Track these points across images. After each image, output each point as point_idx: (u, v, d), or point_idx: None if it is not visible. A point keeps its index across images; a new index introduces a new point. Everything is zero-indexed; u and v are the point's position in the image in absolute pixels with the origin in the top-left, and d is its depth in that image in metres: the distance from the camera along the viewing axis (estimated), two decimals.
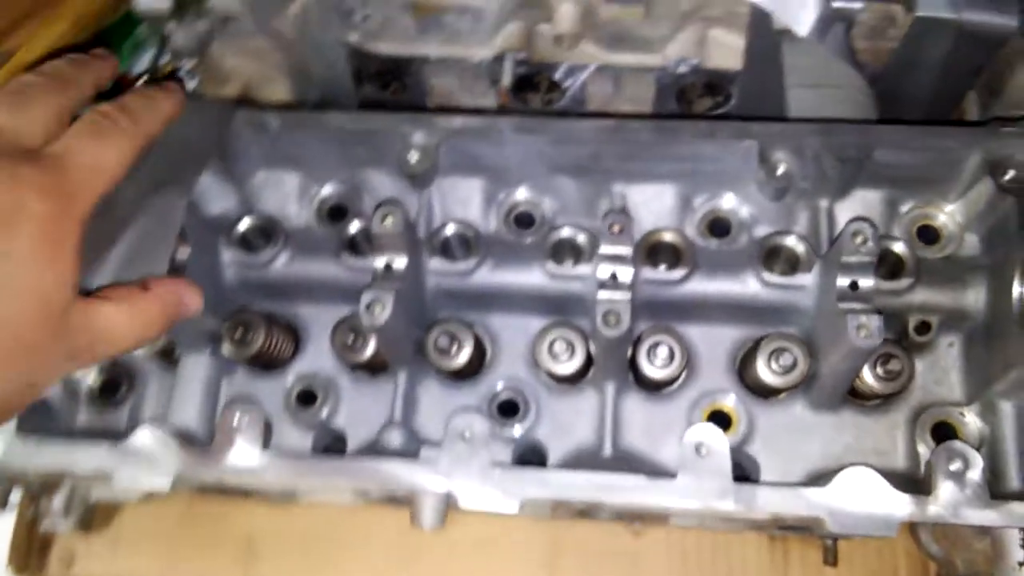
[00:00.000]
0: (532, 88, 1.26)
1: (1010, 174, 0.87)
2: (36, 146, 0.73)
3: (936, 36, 1.01)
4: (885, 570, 1.06)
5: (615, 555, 1.09)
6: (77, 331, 0.71)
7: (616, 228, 0.86)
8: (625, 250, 0.86)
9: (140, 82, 1.46)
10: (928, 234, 0.97)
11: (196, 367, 1.02)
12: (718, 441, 0.81)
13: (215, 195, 1.08)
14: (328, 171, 1.08)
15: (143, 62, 1.56)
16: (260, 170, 1.08)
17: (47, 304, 0.68)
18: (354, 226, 1.02)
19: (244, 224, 1.04)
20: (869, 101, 1.07)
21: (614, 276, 0.87)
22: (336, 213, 1.08)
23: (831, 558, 1.03)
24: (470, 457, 0.84)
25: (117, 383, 1.06)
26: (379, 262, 0.91)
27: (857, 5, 1.02)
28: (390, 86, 1.30)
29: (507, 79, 1.18)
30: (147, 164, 0.84)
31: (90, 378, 1.06)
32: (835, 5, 1.01)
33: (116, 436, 0.92)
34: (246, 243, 1.04)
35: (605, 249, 0.87)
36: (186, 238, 0.94)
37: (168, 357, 1.05)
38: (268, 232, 1.04)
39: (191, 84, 1.48)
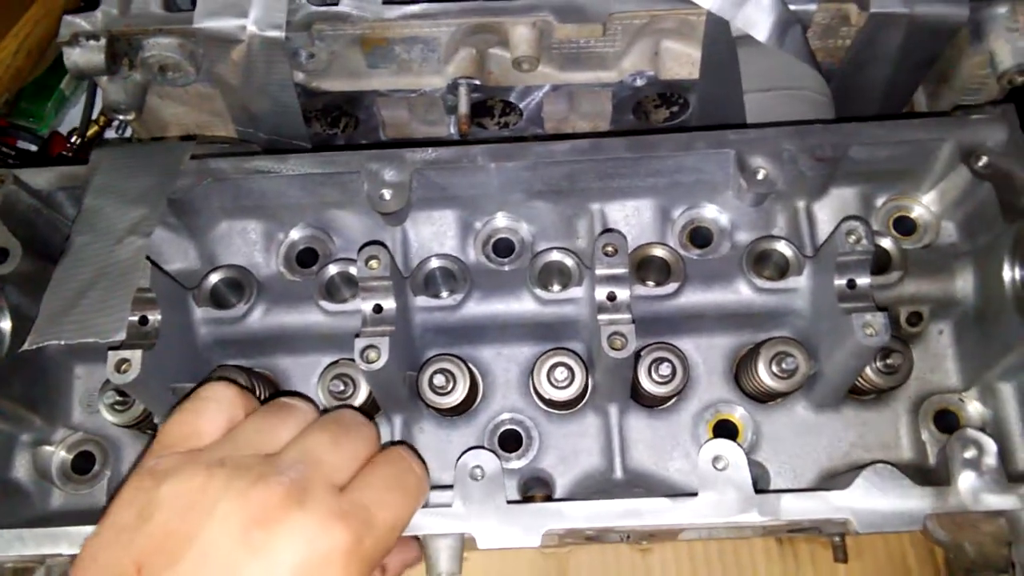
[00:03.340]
0: (487, 113, 1.25)
1: (983, 160, 0.89)
2: (343, 484, 0.73)
3: (890, 30, 1.03)
4: (894, 560, 1.07)
5: (624, 574, 1.07)
6: None
7: (610, 248, 0.85)
8: (621, 271, 0.85)
9: (72, 140, 1.39)
10: (905, 225, 0.98)
11: None
12: (734, 454, 0.80)
13: (174, 252, 1.03)
14: (293, 215, 1.04)
15: (71, 118, 1.50)
16: (221, 222, 1.04)
17: None
18: (332, 269, 0.98)
19: (213, 279, 0.99)
20: (827, 99, 1.08)
21: (611, 296, 0.85)
22: (306, 258, 1.05)
23: (841, 555, 1.04)
24: (485, 497, 0.81)
25: (91, 457, 1.00)
26: (367, 306, 0.88)
27: (812, 6, 1.03)
28: (339, 123, 1.26)
29: (464, 106, 1.17)
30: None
31: (61, 454, 1.00)
32: (792, 7, 1.02)
33: (94, 514, 0.87)
34: (217, 299, 0.99)
35: (601, 271, 0.85)
36: (155, 302, 0.89)
37: (143, 425, 1.00)
38: (239, 285, 1.00)
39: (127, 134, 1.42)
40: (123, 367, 0.84)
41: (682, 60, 1.15)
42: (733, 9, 1.04)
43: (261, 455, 0.73)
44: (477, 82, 1.16)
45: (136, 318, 0.88)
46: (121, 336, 0.85)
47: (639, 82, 1.17)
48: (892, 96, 1.14)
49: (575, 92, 1.21)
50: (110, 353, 0.85)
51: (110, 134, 1.43)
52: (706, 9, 1.06)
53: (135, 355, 0.85)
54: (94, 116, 1.41)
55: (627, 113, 1.23)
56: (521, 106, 1.23)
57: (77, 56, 1.09)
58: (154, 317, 0.89)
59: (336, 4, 1.09)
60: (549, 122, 1.25)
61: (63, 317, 0.87)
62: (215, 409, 0.77)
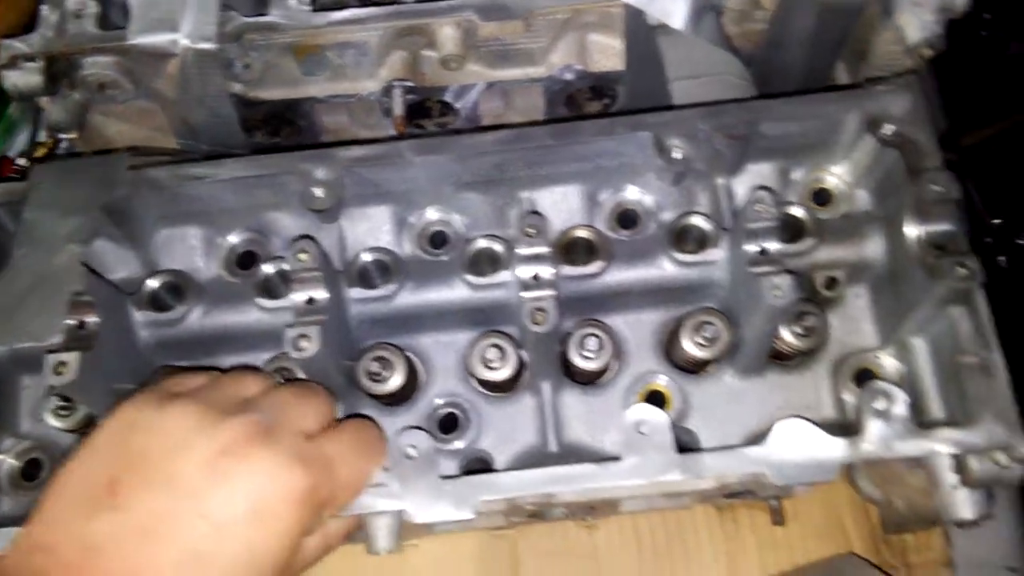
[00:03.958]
0: (425, 114, 1.28)
1: (888, 128, 0.93)
2: (311, 435, 0.79)
3: (801, 13, 1.08)
4: (831, 521, 1.09)
5: (574, 554, 1.10)
6: None
7: (531, 230, 0.88)
8: (543, 249, 0.88)
9: (20, 162, 1.42)
10: (822, 196, 1.02)
11: None
12: (657, 417, 0.83)
13: (116, 261, 1.05)
14: (231, 219, 1.06)
15: (19, 143, 1.52)
16: (160, 229, 1.06)
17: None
18: (267, 268, 1.01)
19: (152, 283, 1.01)
20: (747, 83, 1.13)
21: (536, 276, 0.88)
22: (246, 260, 1.07)
23: (778, 517, 1.07)
24: (419, 474, 0.83)
25: (39, 464, 1.02)
26: (299, 297, 0.90)
27: None
28: (281, 131, 1.29)
29: (399, 108, 1.20)
30: None
31: (10, 462, 1.01)
32: None
33: None
34: (156, 303, 1.01)
35: (523, 251, 0.88)
36: (92, 305, 0.91)
37: (89, 431, 1.01)
38: (178, 288, 1.02)
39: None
40: (60, 369, 0.86)
41: (608, 52, 1.18)
42: (648, 0, 1.08)
43: (238, 399, 0.79)
44: (411, 84, 1.19)
45: (74, 322, 0.91)
46: (56, 338, 0.87)
47: (568, 75, 1.20)
48: (812, 76, 1.18)
49: (508, 89, 1.24)
50: (48, 356, 0.87)
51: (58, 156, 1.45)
52: (623, 1, 1.10)
53: (72, 357, 0.86)
54: (41, 139, 1.43)
55: (560, 107, 1.27)
56: (457, 106, 1.26)
57: (16, 78, 1.11)
58: (92, 320, 0.91)
59: (266, 14, 1.12)
60: (486, 119, 1.29)
61: (3, 325, 0.90)
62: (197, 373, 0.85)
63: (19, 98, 1.14)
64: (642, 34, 1.12)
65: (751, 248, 0.87)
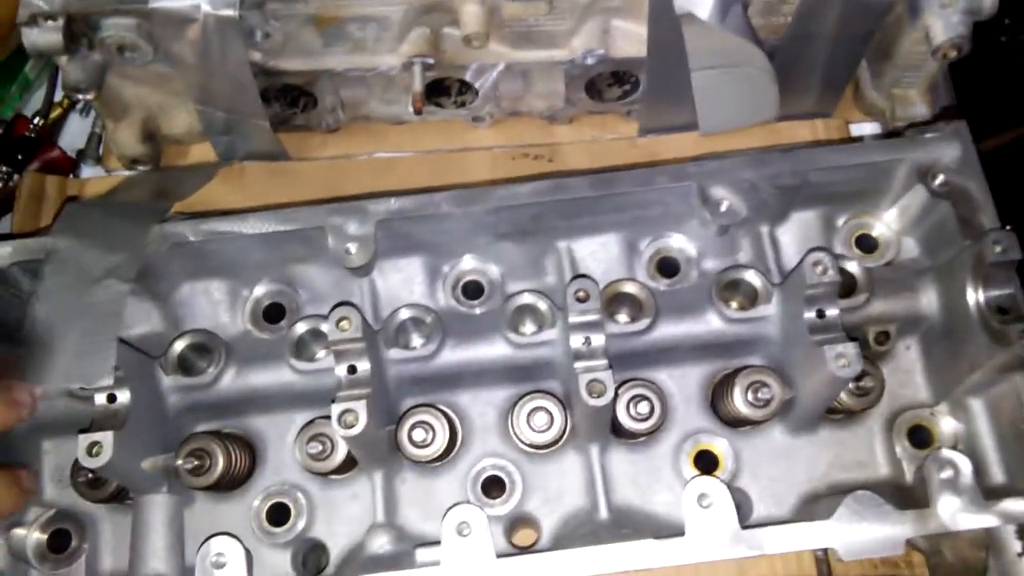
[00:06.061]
0: (444, 92, 1.24)
1: (939, 179, 0.91)
2: None
3: (827, 7, 1.05)
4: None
5: None
6: None
7: (583, 294, 0.85)
8: (594, 316, 0.85)
9: (35, 121, 1.38)
10: (866, 243, 1.00)
11: (153, 508, 0.95)
12: (718, 491, 0.81)
13: (138, 317, 1.01)
14: (257, 273, 1.03)
15: (35, 101, 1.47)
16: (184, 284, 1.02)
17: None
18: (301, 327, 0.97)
19: (179, 345, 0.98)
20: (769, 76, 1.10)
21: (587, 341, 0.86)
22: (272, 313, 1.04)
23: (824, 568, 1.05)
24: (473, 554, 0.81)
25: (67, 535, 0.98)
26: (340, 369, 0.87)
27: None
28: (299, 102, 1.25)
29: (418, 84, 1.16)
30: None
31: (35, 534, 0.97)
32: None
33: None
34: (185, 365, 0.98)
35: (574, 318, 0.85)
36: (123, 381, 0.88)
37: (118, 499, 0.98)
38: (206, 348, 0.98)
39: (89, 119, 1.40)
40: (95, 450, 0.83)
41: (631, 38, 1.15)
42: None
43: None
44: (431, 61, 1.15)
45: (104, 397, 0.87)
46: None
47: (590, 60, 1.16)
48: (833, 71, 1.16)
49: (529, 71, 1.20)
50: (81, 437, 0.83)
51: (74, 117, 1.42)
52: None
53: (106, 437, 0.83)
54: (57, 98, 1.40)
55: (580, 92, 1.23)
56: (476, 85, 1.22)
57: (36, 36, 1.07)
58: (123, 396, 0.87)
59: None
60: (505, 101, 1.24)
61: (51, 361, 0.88)
62: None
63: (38, 56, 1.10)
64: (667, 22, 1.08)
65: (809, 313, 0.85)
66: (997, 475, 0.89)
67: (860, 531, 0.79)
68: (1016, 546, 0.81)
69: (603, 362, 0.85)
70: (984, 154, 1.55)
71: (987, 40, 1.48)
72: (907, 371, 0.97)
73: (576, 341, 0.85)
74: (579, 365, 0.85)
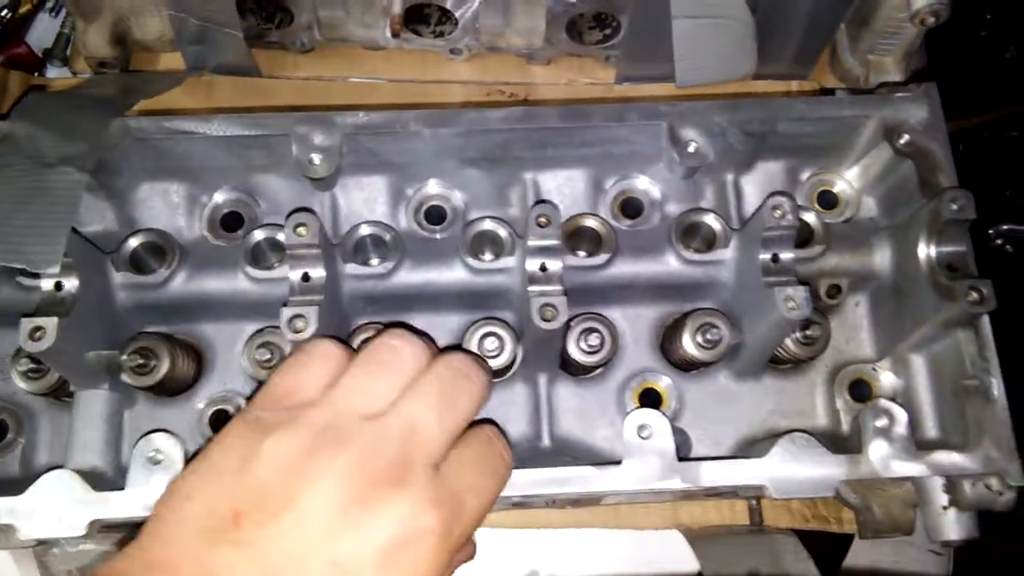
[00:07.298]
0: (423, 20, 1.22)
1: (905, 138, 0.92)
2: (441, 459, 0.71)
3: None
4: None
5: None
6: None
7: (544, 220, 0.85)
8: (554, 242, 0.85)
9: (2, 14, 1.35)
10: (827, 199, 1.01)
11: (94, 402, 0.93)
12: (660, 423, 0.82)
13: (93, 214, 0.99)
14: (218, 178, 1.01)
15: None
16: (142, 183, 1.01)
17: None
18: (258, 234, 0.96)
19: (132, 243, 0.96)
20: (750, 30, 1.10)
21: (543, 267, 0.86)
22: (231, 221, 1.02)
23: (758, 518, 1.08)
24: None
25: (3, 426, 0.97)
26: (295, 275, 0.86)
27: None
28: (275, 17, 1.23)
29: (397, 7, 1.14)
30: None
31: None
32: None
33: (8, 483, 0.85)
34: (137, 263, 0.96)
35: (533, 242, 0.85)
36: (71, 268, 0.86)
37: (58, 393, 0.97)
38: (160, 249, 0.97)
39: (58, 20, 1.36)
40: (37, 334, 0.82)
41: None
42: None
43: (364, 418, 0.71)
44: None
45: (51, 284, 0.86)
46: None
47: None
48: (813, 32, 1.16)
49: (511, 4, 1.18)
50: (24, 320, 0.82)
51: (43, 17, 1.40)
52: None
53: (50, 322, 0.82)
54: None
55: (561, 32, 1.22)
56: (457, 15, 1.20)
57: None
58: (70, 283, 0.86)
59: None
60: (484, 35, 1.23)
61: None
62: (320, 364, 0.75)
63: None
64: None
65: (764, 255, 0.85)
66: (931, 430, 0.91)
67: (792, 470, 0.81)
68: (943, 499, 0.83)
69: (558, 287, 0.85)
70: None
71: (966, 34, 1.50)
72: (854, 327, 0.98)
73: (533, 265, 0.86)
74: (533, 289, 0.85)
